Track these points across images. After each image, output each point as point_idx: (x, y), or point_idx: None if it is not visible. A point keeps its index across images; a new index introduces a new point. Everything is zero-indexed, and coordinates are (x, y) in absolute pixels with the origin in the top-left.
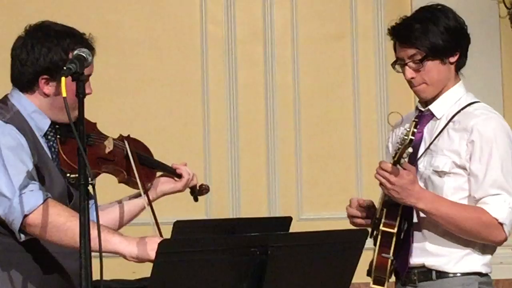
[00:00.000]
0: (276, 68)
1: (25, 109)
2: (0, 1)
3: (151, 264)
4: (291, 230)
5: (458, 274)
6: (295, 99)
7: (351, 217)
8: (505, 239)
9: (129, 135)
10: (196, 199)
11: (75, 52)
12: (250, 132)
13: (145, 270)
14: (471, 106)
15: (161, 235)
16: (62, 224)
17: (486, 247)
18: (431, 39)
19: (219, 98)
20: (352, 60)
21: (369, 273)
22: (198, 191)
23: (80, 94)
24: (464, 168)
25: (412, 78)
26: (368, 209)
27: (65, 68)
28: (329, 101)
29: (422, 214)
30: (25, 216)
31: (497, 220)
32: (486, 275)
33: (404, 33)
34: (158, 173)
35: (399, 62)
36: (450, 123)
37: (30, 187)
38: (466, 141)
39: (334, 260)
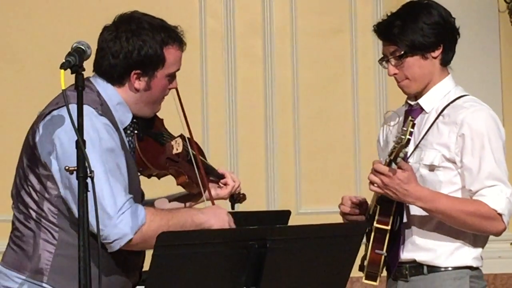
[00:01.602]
0: (275, 62)
1: (111, 99)
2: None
3: (149, 257)
4: (290, 224)
5: (450, 268)
6: (294, 93)
7: (343, 214)
8: (504, 229)
9: (189, 137)
10: (233, 207)
11: (74, 44)
12: (249, 126)
13: (144, 263)
14: (460, 99)
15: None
16: (167, 226)
17: (477, 240)
18: (410, 36)
19: (218, 92)
20: (351, 55)
21: (361, 268)
22: (236, 199)
23: (79, 87)
24: (453, 162)
25: (395, 74)
26: (361, 205)
27: (64, 60)
28: (328, 95)
29: (412, 210)
30: (130, 239)
31: (496, 211)
32: (477, 268)
33: (384, 30)
34: None
35: (384, 59)
36: (440, 117)
37: (128, 204)
38: (455, 134)
39: (333, 254)
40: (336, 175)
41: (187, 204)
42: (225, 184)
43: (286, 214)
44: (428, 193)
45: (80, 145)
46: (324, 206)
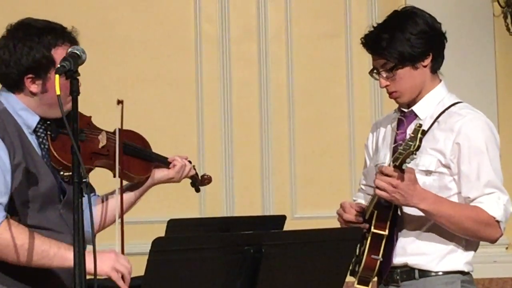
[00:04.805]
0: (270, 66)
1: (13, 106)
2: None
3: (145, 263)
4: (285, 229)
5: (441, 273)
6: (289, 98)
7: (347, 222)
8: (500, 236)
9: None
10: (197, 190)
11: (69, 50)
12: (244, 131)
13: (138, 269)
14: (455, 106)
15: (122, 226)
16: (23, 244)
17: (469, 245)
18: (399, 48)
19: (213, 96)
20: (346, 59)
21: (352, 273)
22: (199, 182)
23: (74, 92)
24: (448, 167)
25: (386, 86)
26: (363, 213)
27: (58, 66)
28: (323, 99)
29: (405, 214)
30: None
31: (494, 218)
32: (468, 273)
33: (372, 44)
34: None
35: (375, 71)
36: (435, 123)
37: None
38: (451, 141)
39: (328, 258)
40: (332, 180)
41: (135, 193)
42: (174, 166)
43: (282, 218)
44: (432, 195)
45: (75, 150)
46: (319, 210)
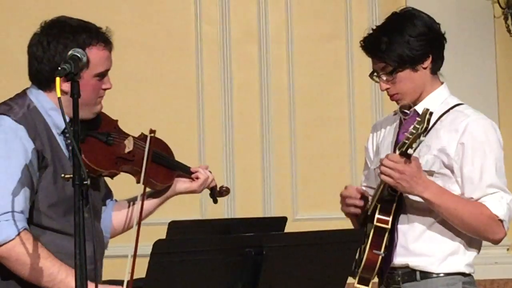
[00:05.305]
0: (271, 68)
1: (43, 106)
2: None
3: (146, 265)
4: (286, 231)
5: (442, 275)
6: (290, 99)
7: (346, 198)
8: (504, 236)
9: (151, 135)
10: (215, 201)
11: (70, 52)
12: (245, 132)
13: (140, 270)
14: (460, 106)
15: (138, 233)
16: (33, 263)
17: (470, 247)
18: (398, 51)
19: (214, 98)
20: (347, 60)
21: (352, 273)
22: (217, 193)
23: (75, 95)
24: (451, 169)
25: (387, 89)
26: (364, 198)
27: (59, 68)
28: (324, 101)
29: (407, 213)
30: None
31: (497, 216)
32: (469, 275)
33: (371, 47)
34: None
35: (375, 74)
36: (438, 122)
37: (6, 216)
38: (456, 141)
39: (330, 260)
40: (333, 181)
41: (156, 201)
42: (197, 178)
43: (283, 220)
44: (436, 186)
45: (76, 152)
46: (320, 212)
